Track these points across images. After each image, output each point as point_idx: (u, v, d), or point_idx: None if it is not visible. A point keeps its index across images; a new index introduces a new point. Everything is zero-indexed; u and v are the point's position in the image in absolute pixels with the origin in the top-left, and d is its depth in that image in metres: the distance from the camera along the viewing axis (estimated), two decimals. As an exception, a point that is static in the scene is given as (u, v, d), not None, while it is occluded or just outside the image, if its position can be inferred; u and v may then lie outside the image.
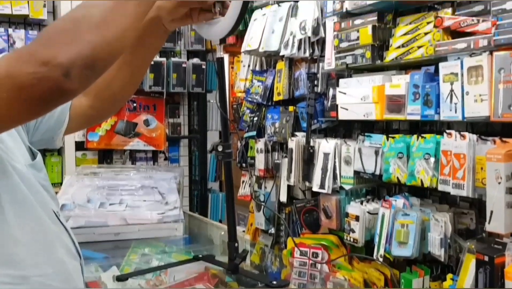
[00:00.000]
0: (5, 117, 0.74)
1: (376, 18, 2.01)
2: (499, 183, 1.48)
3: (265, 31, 2.57)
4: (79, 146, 3.21)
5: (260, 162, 2.60)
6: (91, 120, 1.32)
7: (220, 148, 1.25)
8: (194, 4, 1.11)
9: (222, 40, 1.25)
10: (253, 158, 2.69)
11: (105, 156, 3.36)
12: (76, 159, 3.20)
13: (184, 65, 3.40)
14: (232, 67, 3.80)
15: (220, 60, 1.30)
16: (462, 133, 1.68)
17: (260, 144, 2.62)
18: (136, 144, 3.36)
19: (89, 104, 1.17)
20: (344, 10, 2.15)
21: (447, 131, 1.73)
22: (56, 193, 1.28)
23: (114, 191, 1.97)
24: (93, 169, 2.30)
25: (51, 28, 0.81)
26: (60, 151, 3.15)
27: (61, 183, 2.95)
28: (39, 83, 0.70)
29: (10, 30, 2.98)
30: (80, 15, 0.79)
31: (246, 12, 1.10)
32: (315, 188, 2.25)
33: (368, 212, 2.01)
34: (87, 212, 1.87)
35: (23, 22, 3.12)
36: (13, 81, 0.70)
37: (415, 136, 1.85)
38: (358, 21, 2.08)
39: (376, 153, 2.00)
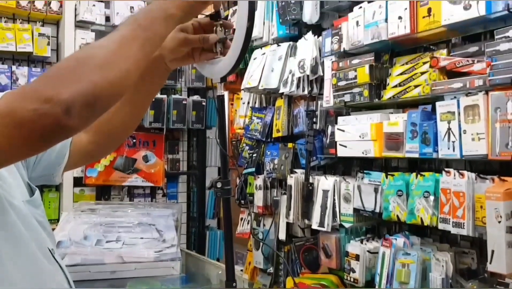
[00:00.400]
0: (5, 152, 0.74)
1: (373, 58, 2.05)
2: (499, 222, 1.47)
3: (265, 69, 2.62)
4: (77, 182, 3.20)
5: (259, 199, 2.59)
6: (91, 157, 1.32)
7: (219, 185, 1.25)
8: (196, 44, 1.14)
9: (223, 79, 1.27)
10: (252, 194, 2.68)
11: (103, 192, 3.34)
12: (74, 195, 3.19)
13: (184, 102, 3.44)
14: (232, 104, 3.83)
15: (221, 98, 1.32)
16: (460, 171, 1.68)
17: (259, 181, 2.62)
18: (134, 180, 3.35)
19: (89, 140, 1.18)
20: (342, 50, 2.19)
21: (446, 169, 1.73)
22: (53, 229, 1.27)
23: (111, 228, 1.96)
24: (91, 206, 2.28)
25: (55, 67, 0.83)
26: (58, 187, 3.14)
27: (58, 220, 2.92)
28: (40, 119, 0.71)
29: (14, 67, 3.03)
30: (84, 56, 0.82)
31: (246, 52, 1.12)
32: (315, 226, 2.23)
33: (368, 251, 1.98)
34: (83, 249, 1.85)
35: (27, 59, 3.17)
36: (15, 116, 0.71)
37: (414, 174, 1.85)
38: (355, 61, 2.12)
39: (376, 190, 2.00)
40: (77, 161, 1.22)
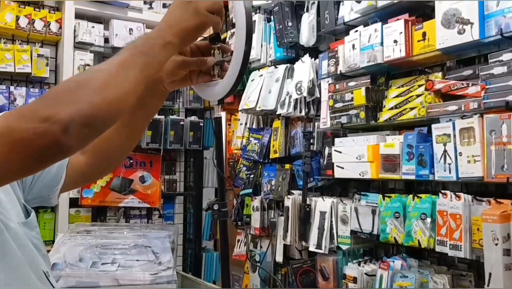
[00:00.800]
0: (3, 171, 0.75)
1: (369, 80, 2.07)
2: (496, 244, 1.47)
3: (262, 91, 2.64)
4: (73, 203, 3.17)
5: (256, 220, 2.58)
6: (88, 178, 1.32)
7: (216, 207, 1.24)
8: (194, 67, 1.15)
9: (220, 101, 1.27)
10: (249, 216, 2.67)
11: (99, 213, 3.32)
12: (69, 216, 3.16)
13: (182, 123, 3.44)
14: (229, 124, 3.85)
15: (218, 120, 1.32)
16: (457, 193, 1.69)
17: (256, 202, 2.61)
18: (131, 201, 3.33)
19: (86, 162, 1.18)
20: (338, 72, 2.22)
21: (442, 191, 1.74)
22: (48, 251, 1.26)
23: (106, 250, 1.93)
24: (86, 227, 2.26)
25: (54, 89, 0.85)
26: (53, 208, 3.12)
27: (52, 241, 2.89)
28: (38, 138, 0.71)
29: (12, 88, 3.04)
30: (84, 78, 0.83)
31: (244, 74, 1.13)
32: (312, 248, 2.21)
33: (366, 274, 1.97)
34: (78, 271, 1.82)
35: (25, 80, 3.18)
36: (13, 135, 0.71)
37: (410, 196, 1.86)
38: (352, 83, 2.14)
39: (373, 212, 2.00)
40: (74, 183, 1.22)
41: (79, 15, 3.27)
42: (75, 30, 3.24)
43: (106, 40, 3.38)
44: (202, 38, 1.20)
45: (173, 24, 0.93)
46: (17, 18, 3.06)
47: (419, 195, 1.83)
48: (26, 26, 3.10)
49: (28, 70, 3.08)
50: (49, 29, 3.18)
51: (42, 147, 0.73)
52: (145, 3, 3.53)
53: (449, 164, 1.71)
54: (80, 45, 3.28)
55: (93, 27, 3.30)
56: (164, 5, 3.59)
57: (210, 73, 1.20)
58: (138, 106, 1.11)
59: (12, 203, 1.05)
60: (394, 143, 1.93)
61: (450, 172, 1.70)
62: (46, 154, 0.75)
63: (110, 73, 0.82)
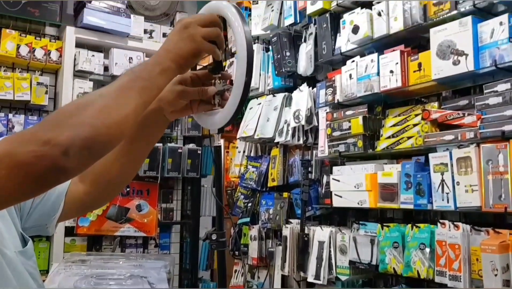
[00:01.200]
0: (3, 195, 0.74)
1: (366, 109, 2.09)
2: (496, 275, 1.46)
3: (261, 119, 2.66)
4: (69, 231, 3.14)
5: (253, 250, 2.56)
6: (87, 207, 1.31)
7: (214, 237, 1.23)
8: (194, 96, 1.16)
9: (220, 130, 1.28)
10: (246, 245, 2.65)
11: (95, 242, 3.28)
12: (64, 245, 3.12)
13: (180, 150, 3.45)
14: (227, 152, 3.86)
15: (218, 148, 1.33)
16: (455, 223, 1.68)
17: (253, 231, 2.59)
18: (127, 230, 3.30)
19: (85, 190, 1.17)
20: (336, 101, 2.24)
21: (441, 221, 1.73)
22: (43, 281, 1.24)
23: (102, 280, 1.90)
24: (82, 257, 2.23)
25: (54, 113, 0.85)
26: (48, 237, 3.07)
27: (47, 271, 2.85)
28: (38, 161, 0.72)
29: (10, 115, 3.05)
30: (84, 102, 0.84)
31: (244, 104, 1.14)
32: (310, 279, 2.19)
33: (365, 305, 1.94)
34: (73, 302, 1.80)
35: (24, 107, 3.20)
36: (13, 159, 0.72)
37: (409, 225, 1.85)
38: (349, 112, 2.16)
39: (372, 242, 1.98)
40: (72, 212, 1.21)
41: (79, 44, 3.32)
42: (75, 59, 3.28)
43: (106, 69, 3.42)
44: (202, 67, 1.22)
45: (170, 50, 0.95)
46: (18, 46, 3.10)
47: (418, 224, 1.82)
48: (27, 55, 3.14)
49: (27, 98, 3.11)
50: (50, 57, 3.22)
51: (42, 170, 0.73)
52: (145, 32, 3.59)
53: (447, 193, 1.71)
54: (79, 74, 3.31)
55: (93, 55, 3.34)
56: (164, 34, 3.65)
57: (211, 102, 1.21)
58: (139, 136, 1.12)
59: (10, 231, 1.04)
60: (392, 172, 1.94)
61: (448, 202, 1.70)
62: (46, 177, 0.75)
63: (110, 97, 0.84)
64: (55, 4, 3.21)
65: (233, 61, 2.96)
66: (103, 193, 1.20)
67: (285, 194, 2.49)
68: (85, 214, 3.01)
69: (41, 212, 1.14)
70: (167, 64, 0.94)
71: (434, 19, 1.84)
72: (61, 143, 0.73)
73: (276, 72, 2.62)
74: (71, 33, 3.26)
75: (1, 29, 3.05)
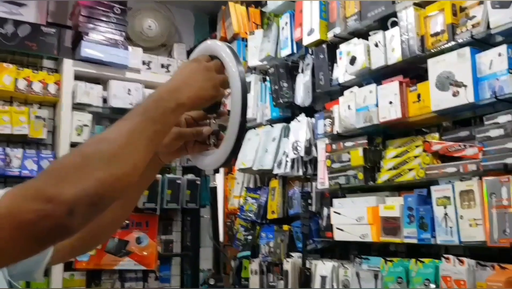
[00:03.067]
0: (3, 256, 0.70)
1: (366, 140, 2.07)
2: (505, 314, 1.40)
3: (259, 150, 2.63)
4: (67, 266, 3.08)
5: (254, 284, 2.50)
6: (77, 252, 1.27)
7: (212, 282, 1.19)
8: (189, 138, 1.14)
9: (216, 171, 1.24)
10: (247, 279, 2.59)
11: (94, 277, 3.21)
12: (63, 280, 3.06)
13: (178, 181, 3.41)
14: (227, 179, 3.82)
15: (213, 189, 1.29)
16: (460, 258, 1.63)
17: (254, 265, 2.54)
18: (126, 263, 3.24)
19: (76, 236, 1.13)
20: (335, 132, 2.22)
21: (445, 255, 1.69)
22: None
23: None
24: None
25: (60, 163, 0.79)
26: (46, 272, 3.00)
27: (44, 308, 2.78)
28: (42, 221, 0.67)
29: (8, 149, 3.02)
30: (90, 151, 0.77)
31: (240, 144, 1.12)
32: (313, 315, 2.13)
33: None
34: None
35: (22, 141, 3.17)
36: (14, 218, 0.67)
37: (413, 260, 1.80)
38: (348, 143, 2.14)
39: (376, 277, 1.93)
40: (61, 257, 1.17)
41: (78, 77, 3.31)
42: (73, 91, 3.27)
43: (105, 101, 3.41)
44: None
45: (192, 85, 0.92)
46: (16, 80, 3.09)
47: (422, 259, 1.77)
48: (25, 88, 3.12)
49: (25, 131, 3.08)
50: (48, 90, 3.20)
51: (45, 230, 0.68)
52: (143, 63, 3.59)
53: (451, 227, 1.67)
54: (78, 106, 3.30)
55: (91, 88, 3.33)
56: (162, 65, 3.65)
57: (206, 142, 1.18)
58: None
59: None
60: (394, 205, 1.90)
61: (452, 236, 1.66)
62: (49, 236, 0.70)
63: (119, 145, 0.77)
64: (52, 38, 3.22)
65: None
66: (94, 238, 1.16)
67: (285, 227, 2.44)
68: (75, 257, 2.91)
69: (29, 259, 1.09)
70: (183, 101, 0.90)
71: (432, 50, 1.83)
72: (67, 202, 0.68)
73: (274, 103, 2.61)
74: (69, 66, 3.26)
75: (-3, 63, 3.05)
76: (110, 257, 3.20)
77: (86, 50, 3.23)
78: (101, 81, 3.44)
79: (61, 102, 3.23)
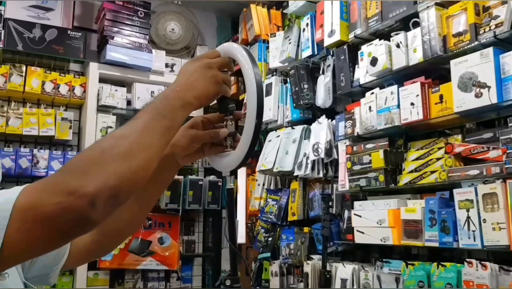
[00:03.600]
0: (24, 248, 0.71)
1: (387, 142, 2.04)
2: (529, 321, 1.37)
3: (279, 152, 2.63)
4: (92, 265, 3.14)
5: (274, 286, 2.49)
6: (93, 255, 1.27)
7: (228, 283, 1.19)
8: (206, 140, 1.15)
9: (233, 172, 1.25)
10: (267, 281, 2.59)
11: (117, 276, 3.27)
12: (87, 279, 3.13)
13: (200, 183, 3.44)
14: (249, 181, 3.82)
15: (230, 191, 1.30)
16: (483, 262, 1.60)
17: (274, 267, 2.54)
18: (149, 263, 3.28)
19: (93, 239, 1.14)
20: (356, 134, 2.20)
21: (468, 260, 1.65)
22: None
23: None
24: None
25: (79, 158, 0.81)
26: (72, 271, 3.09)
27: (69, 305, 2.85)
28: (64, 213, 0.69)
29: (35, 150, 3.10)
30: (108, 146, 0.80)
31: (256, 145, 1.12)
32: (333, 318, 2.11)
33: None
34: None
35: (49, 142, 3.26)
36: (37, 211, 0.69)
37: (435, 264, 1.77)
38: (369, 145, 2.12)
39: (397, 280, 1.91)
40: (77, 261, 1.18)
41: (102, 79, 3.38)
42: (98, 94, 3.34)
43: (129, 103, 3.47)
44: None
45: (195, 87, 0.94)
46: (43, 83, 3.17)
47: (444, 263, 1.74)
48: (51, 91, 3.21)
49: (52, 133, 3.16)
50: (74, 93, 3.28)
51: (68, 222, 0.70)
52: (166, 66, 3.64)
53: (473, 231, 1.63)
54: (103, 108, 3.36)
55: (116, 90, 3.39)
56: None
57: (223, 144, 1.19)
58: (150, 182, 1.09)
59: (15, 281, 1.03)
60: (415, 208, 1.87)
61: (474, 240, 1.62)
62: (71, 228, 0.72)
63: (134, 140, 0.81)
64: (78, 41, 3.29)
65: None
66: (111, 241, 1.17)
67: (306, 229, 2.43)
68: (91, 261, 2.92)
69: (44, 262, 1.10)
70: (190, 100, 0.92)
71: (454, 51, 1.80)
72: (88, 194, 0.70)
73: (294, 105, 2.60)
74: (94, 69, 3.33)
75: (27, 67, 3.13)
76: (133, 257, 3.25)
77: (111, 53, 3.30)
78: (125, 84, 3.50)
79: (87, 104, 3.30)
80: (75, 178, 0.72)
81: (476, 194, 1.63)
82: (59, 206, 0.68)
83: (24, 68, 3.12)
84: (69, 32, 3.27)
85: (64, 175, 0.75)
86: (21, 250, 0.71)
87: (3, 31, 3.04)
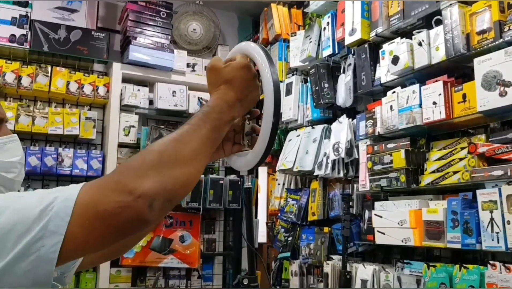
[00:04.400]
0: (84, 243, 0.73)
1: (408, 142, 2.01)
2: (555, 326, 1.33)
3: (300, 151, 2.62)
4: (114, 263, 3.19)
5: (294, 286, 2.49)
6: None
7: (245, 282, 1.20)
8: (229, 139, 1.15)
9: (250, 171, 1.26)
10: (287, 280, 2.58)
11: (139, 273, 3.32)
12: (110, 276, 3.18)
13: (221, 182, 3.45)
14: (269, 180, 3.82)
15: (248, 190, 1.30)
16: (507, 265, 1.56)
17: (294, 266, 2.53)
18: (170, 261, 3.32)
19: None
20: (377, 133, 2.17)
21: (491, 262, 1.62)
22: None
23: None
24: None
25: (137, 160, 0.83)
26: (95, 268, 3.15)
27: (92, 301, 2.90)
28: (123, 212, 0.71)
29: (60, 149, 3.17)
30: (167, 151, 0.82)
31: (272, 146, 1.12)
32: (353, 318, 2.10)
33: None
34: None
35: (73, 141, 3.32)
36: (97, 208, 0.71)
37: (457, 266, 1.74)
38: (390, 145, 2.09)
39: (418, 282, 1.88)
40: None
41: (125, 79, 3.43)
42: (121, 93, 3.39)
43: (151, 102, 3.51)
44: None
45: (246, 101, 0.97)
46: (68, 83, 3.24)
47: (466, 265, 1.71)
48: (76, 91, 3.27)
49: (76, 132, 3.22)
50: (97, 93, 3.34)
51: (126, 221, 0.72)
52: (188, 66, 3.66)
53: (497, 232, 1.60)
54: (126, 108, 3.41)
55: (138, 90, 3.44)
56: (205, 68, 3.72)
57: (241, 144, 1.20)
58: None
59: None
60: (437, 209, 1.84)
61: (498, 242, 1.59)
62: (129, 227, 0.74)
63: (193, 149, 0.83)
64: (102, 42, 3.35)
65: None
66: (128, 241, 1.19)
67: (326, 229, 2.42)
68: (107, 261, 2.94)
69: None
70: (238, 114, 0.96)
71: (478, 49, 1.76)
72: (147, 195, 0.72)
73: (314, 104, 2.59)
74: (117, 69, 3.38)
75: (53, 67, 3.20)
76: (154, 255, 3.29)
77: (134, 53, 3.34)
78: (147, 84, 3.54)
79: (110, 103, 3.35)
80: (135, 179, 0.74)
81: (500, 195, 1.60)
82: (119, 205, 0.71)
83: (49, 68, 3.19)
84: (93, 33, 3.33)
85: (124, 175, 0.77)
86: (81, 245, 0.73)
87: (29, 33, 3.11)
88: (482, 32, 1.75)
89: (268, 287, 2.55)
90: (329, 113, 2.61)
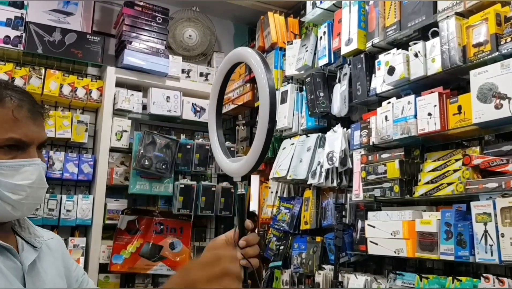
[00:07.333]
0: None
1: (403, 152, 2.01)
2: None
3: (293, 159, 2.61)
4: (103, 268, 3.15)
5: (285, 295, 2.47)
6: None
7: (237, 290, 1.17)
8: None
9: (244, 178, 1.24)
10: (278, 290, 2.56)
11: (128, 280, 3.27)
12: (98, 282, 3.13)
13: (213, 189, 3.43)
14: (262, 188, 3.80)
15: (241, 197, 1.28)
16: (500, 278, 1.55)
17: (285, 276, 2.51)
18: (159, 268, 3.28)
19: None
20: (371, 143, 2.17)
21: (484, 275, 1.61)
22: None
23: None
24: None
25: None
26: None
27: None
28: None
29: (51, 152, 3.14)
30: None
31: (267, 152, 1.11)
32: (344, 330, 2.08)
33: None
34: None
35: (65, 144, 3.29)
36: None
37: (450, 278, 1.73)
38: (385, 155, 2.09)
39: (409, 293, 1.87)
40: None
41: (119, 84, 3.41)
42: (114, 98, 3.37)
43: (144, 107, 3.49)
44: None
45: None
46: (61, 86, 3.21)
47: (459, 277, 1.70)
48: (69, 94, 3.24)
49: (68, 135, 3.20)
50: (90, 96, 3.31)
51: None
52: (182, 72, 3.65)
53: (491, 245, 1.59)
54: (119, 112, 3.39)
55: (132, 94, 3.42)
56: (201, 74, 3.71)
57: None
58: None
59: None
60: (431, 220, 1.83)
61: (492, 254, 1.58)
62: None
63: None
64: (97, 45, 3.33)
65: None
66: None
67: (318, 238, 2.40)
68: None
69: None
70: None
71: (474, 61, 1.77)
72: None
73: (309, 113, 2.58)
74: (111, 73, 3.36)
75: (46, 70, 3.18)
76: (144, 261, 3.25)
77: (129, 58, 3.33)
78: (141, 88, 3.52)
79: (103, 107, 3.33)
80: None
81: (494, 208, 1.59)
82: None
83: (43, 70, 3.16)
84: (88, 36, 3.31)
85: None
86: None
87: (24, 34, 3.09)
88: (479, 44, 1.75)
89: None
90: (324, 122, 2.60)
